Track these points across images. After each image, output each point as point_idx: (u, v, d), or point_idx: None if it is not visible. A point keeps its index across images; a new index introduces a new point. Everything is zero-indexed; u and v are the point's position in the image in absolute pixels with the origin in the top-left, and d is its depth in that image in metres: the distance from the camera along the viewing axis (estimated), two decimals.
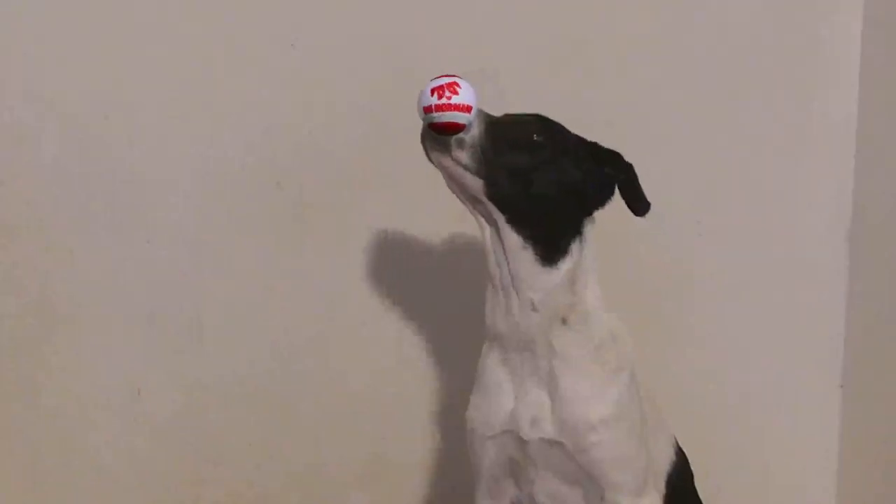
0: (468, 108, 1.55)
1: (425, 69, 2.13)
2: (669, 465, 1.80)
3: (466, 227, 2.09)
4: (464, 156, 1.60)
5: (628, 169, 1.69)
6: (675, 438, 1.84)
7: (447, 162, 1.61)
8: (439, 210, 2.14)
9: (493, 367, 1.73)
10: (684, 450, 1.85)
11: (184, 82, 2.14)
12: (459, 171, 1.61)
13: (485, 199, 1.63)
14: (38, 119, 2.11)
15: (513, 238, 1.65)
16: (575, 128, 1.72)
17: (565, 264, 1.66)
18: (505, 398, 1.71)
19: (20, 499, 2.16)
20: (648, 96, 2.23)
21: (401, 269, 2.20)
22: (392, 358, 2.21)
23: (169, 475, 2.19)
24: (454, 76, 1.56)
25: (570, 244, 1.67)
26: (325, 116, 2.16)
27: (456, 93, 1.54)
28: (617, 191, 1.69)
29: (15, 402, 2.15)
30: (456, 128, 1.56)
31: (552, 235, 1.66)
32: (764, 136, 2.28)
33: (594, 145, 1.71)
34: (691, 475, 1.87)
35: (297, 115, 2.16)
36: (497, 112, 1.65)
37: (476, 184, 1.62)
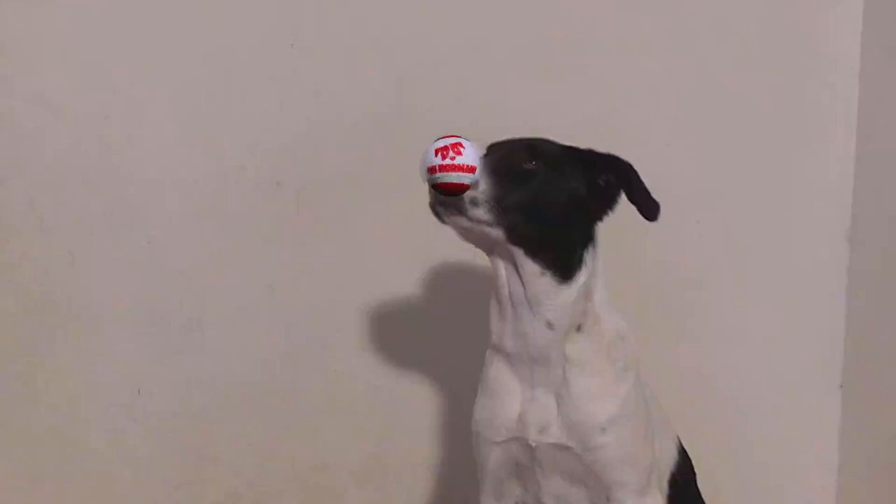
0: (472, 169, 1.54)
1: (425, 69, 2.15)
2: (673, 465, 1.80)
3: None
4: (481, 212, 1.58)
5: (628, 170, 1.67)
6: (679, 439, 1.84)
7: (465, 223, 1.59)
8: None
9: (499, 372, 1.72)
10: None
11: (184, 82, 2.14)
12: (479, 227, 1.59)
13: (505, 242, 1.62)
14: (38, 119, 2.11)
15: (531, 267, 1.63)
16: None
17: (582, 276, 1.66)
18: (511, 403, 1.71)
19: (20, 499, 2.16)
20: (648, 96, 2.23)
21: (401, 269, 2.20)
22: (392, 358, 2.21)
23: (169, 475, 2.19)
24: (457, 137, 1.55)
25: (584, 255, 1.67)
26: (325, 116, 2.16)
27: (460, 153, 1.53)
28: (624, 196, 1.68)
29: (15, 402, 2.15)
30: (461, 188, 1.54)
31: (568, 255, 1.65)
32: (764, 136, 2.28)
33: (589, 152, 1.69)
34: (694, 475, 1.87)
35: (297, 115, 2.16)
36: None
37: (497, 234, 1.60)
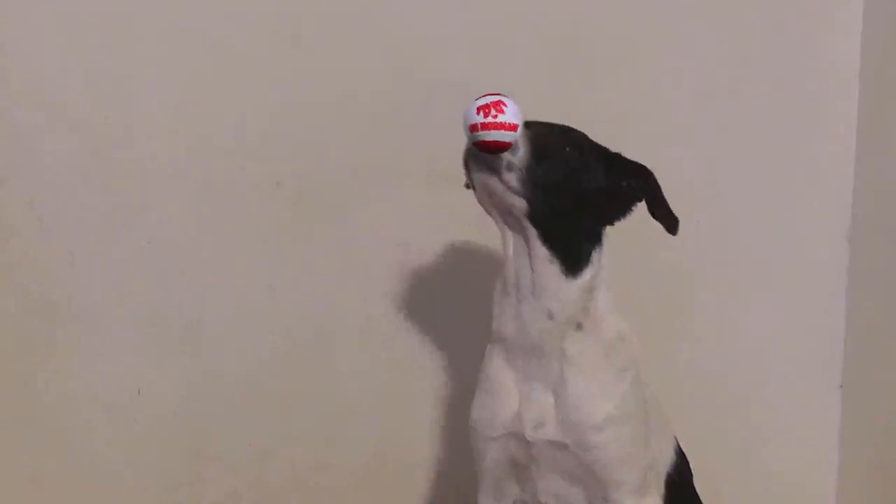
0: (514, 127, 1.53)
1: (426, 69, 2.15)
2: (670, 465, 1.80)
3: (466, 228, 2.09)
4: (512, 178, 1.58)
5: (652, 181, 1.69)
6: (676, 439, 1.84)
7: (495, 184, 1.59)
8: (439, 210, 2.14)
9: (498, 369, 1.73)
10: (684, 450, 1.85)
11: (184, 82, 2.14)
12: (506, 192, 1.60)
13: (523, 217, 1.62)
14: (38, 119, 2.11)
15: (541, 251, 1.64)
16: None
17: (587, 273, 1.67)
18: (509, 399, 1.71)
19: (20, 499, 2.16)
20: (648, 96, 2.23)
21: (401, 269, 2.20)
22: (392, 358, 2.21)
23: (169, 475, 2.19)
24: (500, 94, 1.54)
25: (591, 253, 1.68)
26: (325, 116, 2.16)
27: (502, 111, 1.52)
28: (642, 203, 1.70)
29: (15, 402, 2.15)
30: (502, 146, 1.54)
31: (578, 248, 1.66)
32: (764, 136, 2.28)
33: (618, 156, 1.71)
34: (691, 475, 1.87)
35: (297, 115, 2.16)
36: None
37: (520, 204, 1.60)
